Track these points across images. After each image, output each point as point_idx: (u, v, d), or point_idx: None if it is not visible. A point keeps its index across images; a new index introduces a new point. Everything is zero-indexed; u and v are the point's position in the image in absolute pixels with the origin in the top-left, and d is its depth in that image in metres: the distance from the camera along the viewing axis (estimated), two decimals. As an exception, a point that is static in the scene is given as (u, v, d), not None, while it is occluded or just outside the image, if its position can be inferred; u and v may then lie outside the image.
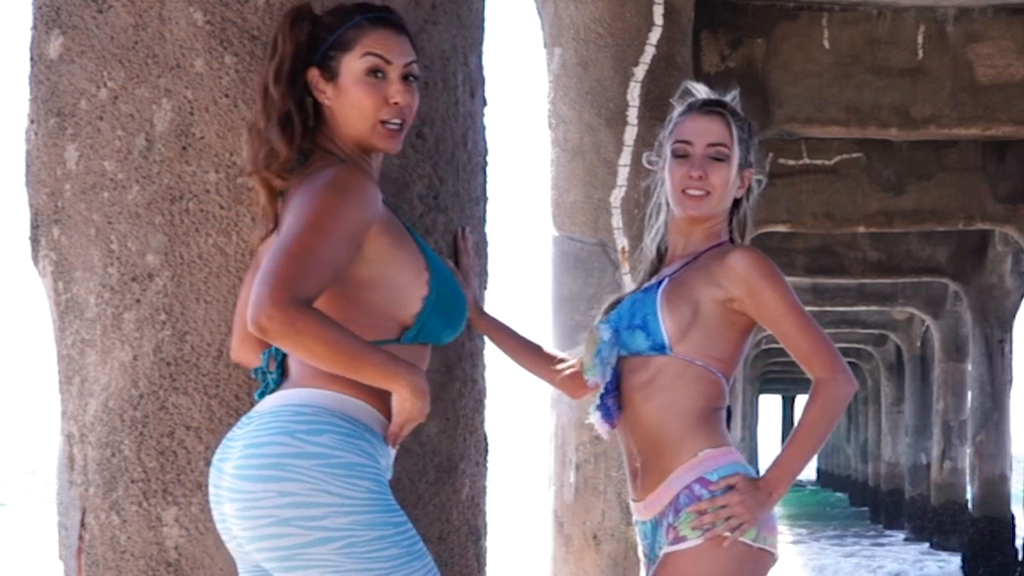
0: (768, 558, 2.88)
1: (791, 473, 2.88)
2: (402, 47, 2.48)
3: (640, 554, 3.05)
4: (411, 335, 2.45)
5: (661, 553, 2.89)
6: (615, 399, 2.97)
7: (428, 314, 2.45)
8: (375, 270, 2.41)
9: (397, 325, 2.44)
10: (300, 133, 2.45)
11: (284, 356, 2.47)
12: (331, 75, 2.47)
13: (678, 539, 2.85)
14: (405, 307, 2.44)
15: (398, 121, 2.48)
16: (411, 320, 2.44)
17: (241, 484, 2.31)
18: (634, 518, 3.03)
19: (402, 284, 2.43)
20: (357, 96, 2.46)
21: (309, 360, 2.30)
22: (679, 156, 3.00)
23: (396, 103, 2.47)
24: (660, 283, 2.97)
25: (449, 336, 2.52)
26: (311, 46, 2.48)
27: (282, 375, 2.48)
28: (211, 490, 2.43)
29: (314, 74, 2.47)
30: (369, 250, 2.40)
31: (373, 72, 2.46)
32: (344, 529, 2.26)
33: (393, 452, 2.46)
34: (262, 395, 2.46)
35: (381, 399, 2.40)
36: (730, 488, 2.83)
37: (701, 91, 3.09)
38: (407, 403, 2.35)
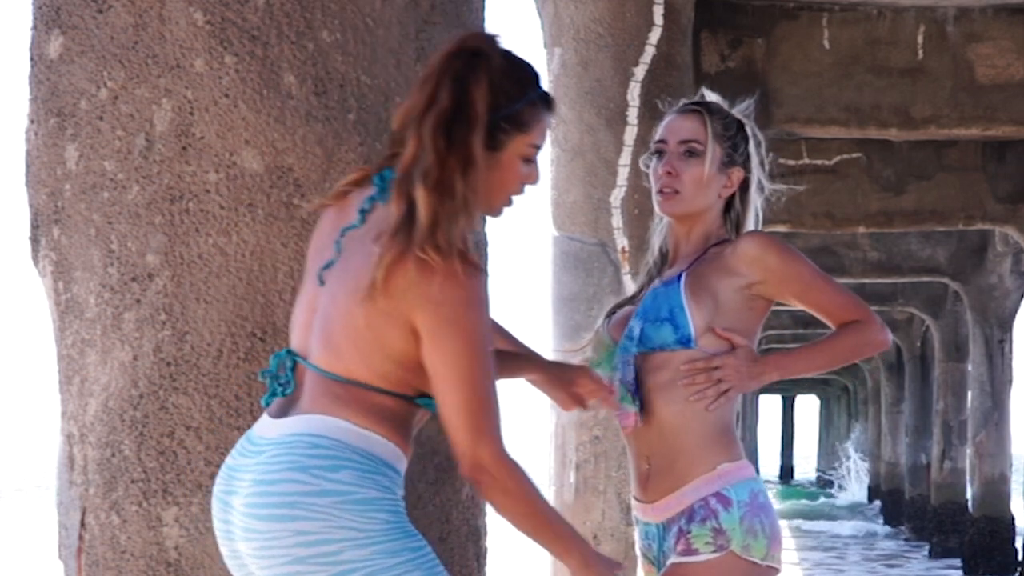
0: (774, 572, 2.89)
1: (790, 368, 2.97)
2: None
3: (638, 551, 3.04)
4: (427, 402, 2.36)
5: (669, 561, 2.89)
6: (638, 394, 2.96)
7: None
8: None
9: (415, 390, 2.35)
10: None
11: (295, 364, 2.38)
12: (496, 146, 2.32)
13: (689, 551, 2.85)
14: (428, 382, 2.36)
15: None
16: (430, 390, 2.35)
17: (255, 524, 2.24)
18: (636, 515, 3.02)
19: None
20: (512, 177, 2.37)
21: (503, 513, 2.31)
22: (657, 156, 3.02)
23: (532, 183, 2.42)
24: (680, 276, 2.96)
25: None
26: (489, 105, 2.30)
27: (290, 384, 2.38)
28: (219, 524, 2.35)
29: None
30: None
31: (529, 159, 2.38)
32: (364, 560, 2.22)
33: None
34: (268, 402, 2.37)
35: (398, 432, 2.33)
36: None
37: (712, 98, 3.10)
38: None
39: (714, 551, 2.83)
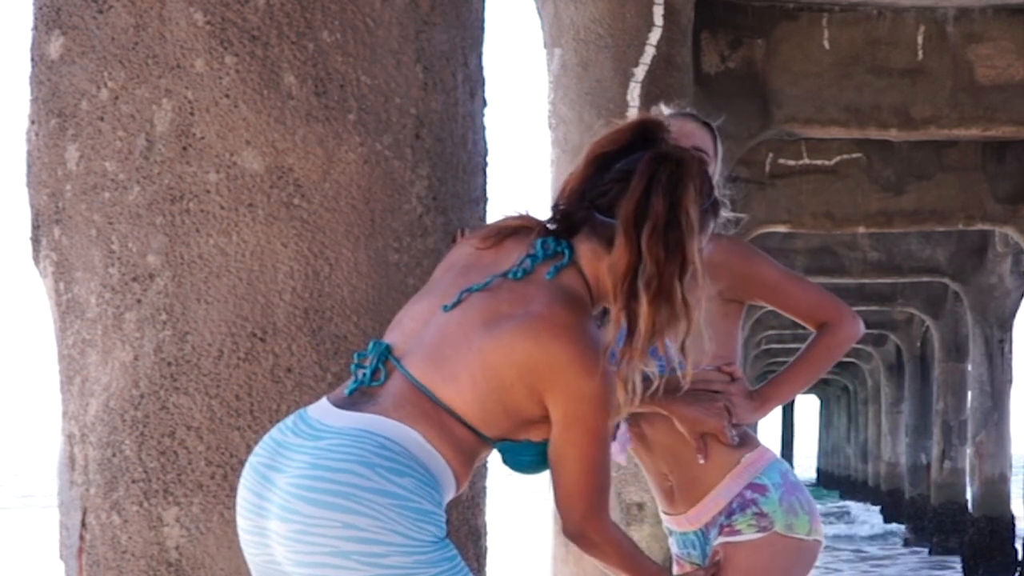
0: (818, 545, 2.94)
1: (782, 396, 2.98)
2: None
3: (676, 559, 3.04)
4: (501, 445, 2.38)
5: (715, 544, 2.92)
6: (625, 423, 2.97)
7: (527, 448, 2.40)
8: (537, 415, 2.35)
9: (501, 436, 2.36)
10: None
11: (385, 360, 2.35)
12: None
13: (734, 532, 2.89)
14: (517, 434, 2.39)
15: None
16: (515, 438, 2.38)
17: (302, 506, 2.19)
18: (668, 527, 3.03)
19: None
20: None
21: (602, 565, 2.47)
22: None
23: None
24: None
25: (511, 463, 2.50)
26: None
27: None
28: (249, 496, 2.29)
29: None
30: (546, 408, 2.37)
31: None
32: (405, 567, 2.20)
33: None
34: (352, 391, 2.32)
35: (463, 463, 2.32)
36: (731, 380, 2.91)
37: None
38: None
39: (758, 531, 2.86)
